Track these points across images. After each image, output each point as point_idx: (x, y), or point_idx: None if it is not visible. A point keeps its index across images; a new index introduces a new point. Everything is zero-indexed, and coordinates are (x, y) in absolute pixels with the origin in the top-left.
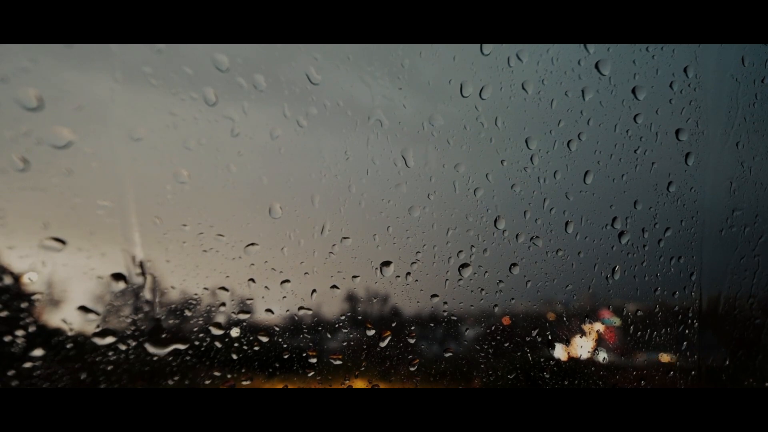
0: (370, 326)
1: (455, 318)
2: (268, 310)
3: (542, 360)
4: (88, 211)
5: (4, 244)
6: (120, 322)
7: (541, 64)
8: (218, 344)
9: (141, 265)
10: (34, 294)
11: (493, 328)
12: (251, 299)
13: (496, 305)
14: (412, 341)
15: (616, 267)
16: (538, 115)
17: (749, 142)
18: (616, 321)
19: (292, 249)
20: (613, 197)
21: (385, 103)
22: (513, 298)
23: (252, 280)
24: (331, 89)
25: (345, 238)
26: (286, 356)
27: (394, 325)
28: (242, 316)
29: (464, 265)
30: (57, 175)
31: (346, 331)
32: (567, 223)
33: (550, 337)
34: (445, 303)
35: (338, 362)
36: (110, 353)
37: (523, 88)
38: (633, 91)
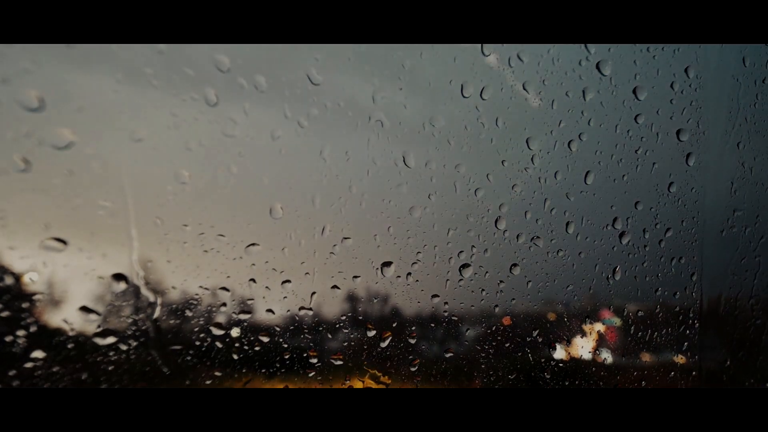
0: (370, 326)
1: (456, 318)
2: (269, 311)
3: (543, 360)
4: (89, 212)
5: (5, 245)
6: (121, 322)
7: (542, 65)
8: (219, 344)
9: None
10: (35, 294)
11: (493, 328)
12: (252, 299)
13: (496, 305)
14: (412, 341)
15: (616, 267)
16: (538, 116)
17: (750, 142)
18: (617, 321)
19: (293, 249)
20: (613, 198)
21: (385, 104)
22: (514, 299)
23: (253, 280)
24: (332, 90)
25: (346, 238)
26: (286, 356)
27: (394, 325)
28: (243, 317)
29: (465, 266)
30: (58, 175)
31: (346, 331)
32: (568, 224)
33: (550, 338)
34: (446, 303)
35: (339, 362)
36: (111, 353)
37: (524, 89)
38: (634, 91)
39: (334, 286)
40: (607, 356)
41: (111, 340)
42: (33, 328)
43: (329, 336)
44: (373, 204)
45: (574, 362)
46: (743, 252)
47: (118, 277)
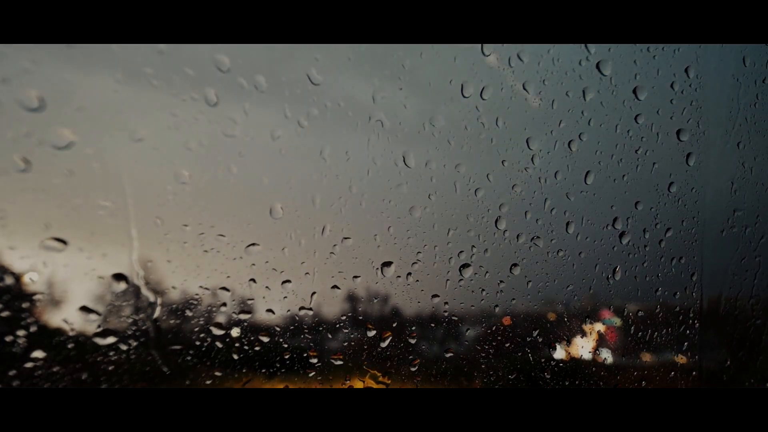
0: (370, 326)
1: (456, 318)
2: (269, 310)
3: (543, 360)
4: (89, 212)
5: (5, 245)
6: (121, 322)
7: (542, 65)
8: (219, 344)
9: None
10: (35, 294)
11: (493, 328)
12: (252, 299)
13: (496, 305)
14: (412, 341)
15: (617, 267)
16: (538, 116)
17: (750, 142)
18: (617, 321)
19: (293, 249)
20: (614, 197)
21: (385, 104)
22: (514, 299)
23: (253, 280)
24: (332, 90)
25: (346, 238)
26: (286, 356)
27: (394, 325)
28: (243, 316)
29: (465, 266)
30: (58, 175)
31: (346, 331)
32: (568, 224)
33: (550, 338)
34: (446, 303)
35: (339, 362)
36: (111, 353)
37: (524, 89)
38: (634, 91)
39: (334, 286)
40: (607, 356)
41: (111, 340)
42: (33, 328)
43: (329, 336)
44: (373, 204)
45: (574, 362)
46: (743, 252)
47: (118, 277)
